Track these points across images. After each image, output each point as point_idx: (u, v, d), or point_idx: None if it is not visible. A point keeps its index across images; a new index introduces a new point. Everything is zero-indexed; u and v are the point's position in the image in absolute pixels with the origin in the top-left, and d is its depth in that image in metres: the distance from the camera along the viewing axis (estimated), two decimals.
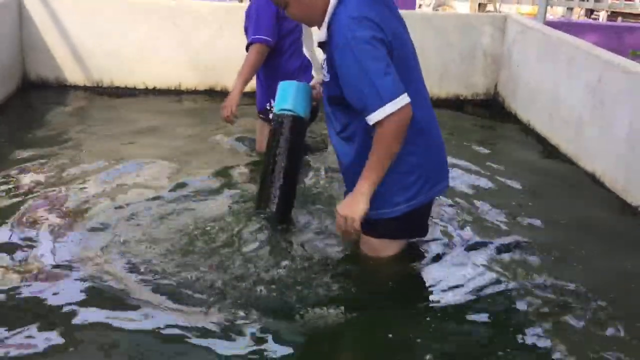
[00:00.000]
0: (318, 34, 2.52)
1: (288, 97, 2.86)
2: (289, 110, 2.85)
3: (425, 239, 2.96)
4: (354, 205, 2.50)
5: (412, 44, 2.62)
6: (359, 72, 2.38)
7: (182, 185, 3.54)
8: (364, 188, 2.49)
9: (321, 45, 2.55)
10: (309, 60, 3.71)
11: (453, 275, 2.81)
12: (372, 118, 2.37)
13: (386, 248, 2.78)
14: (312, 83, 3.11)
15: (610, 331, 2.51)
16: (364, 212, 2.50)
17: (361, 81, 2.38)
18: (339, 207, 2.55)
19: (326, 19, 2.48)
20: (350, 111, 2.50)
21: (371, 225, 2.71)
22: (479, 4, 8.74)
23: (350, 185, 2.68)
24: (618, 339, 2.47)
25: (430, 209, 2.83)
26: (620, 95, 3.83)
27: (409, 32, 2.62)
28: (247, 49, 3.70)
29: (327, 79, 2.54)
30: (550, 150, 4.52)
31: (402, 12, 5.61)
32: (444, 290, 2.71)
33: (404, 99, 2.37)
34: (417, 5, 6.73)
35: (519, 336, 2.44)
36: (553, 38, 4.76)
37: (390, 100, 2.35)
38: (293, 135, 2.88)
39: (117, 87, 5.29)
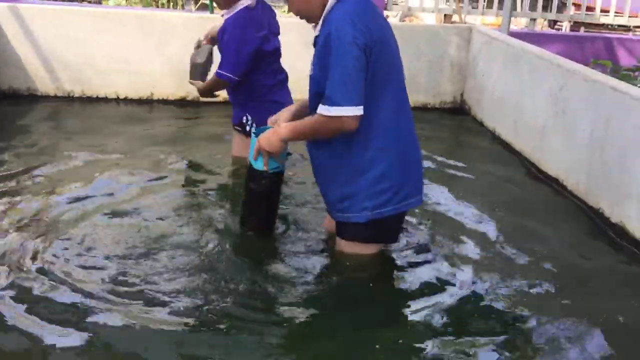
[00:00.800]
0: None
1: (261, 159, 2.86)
2: (274, 169, 2.89)
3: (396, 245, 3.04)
4: (271, 145, 2.72)
5: (397, 50, 2.71)
6: (339, 66, 2.47)
7: (156, 190, 3.59)
8: (285, 134, 2.68)
9: (315, 39, 2.64)
10: (285, 76, 3.76)
11: (424, 281, 2.85)
12: (330, 109, 2.49)
13: (357, 249, 2.84)
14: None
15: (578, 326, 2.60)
16: (278, 150, 2.74)
17: (339, 75, 2.47)
18: (261, 138, 2.75)
19: (323, 15, 2.59)
20: None
21: (342, 227, 2.81)
22: (445, 15, 8.86)
23: (323, 185, 2.80)
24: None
25: (401, 220, 2.89)
26: (582, 102, 3.93)
27: (395, 38, 2.71)
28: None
29: (312, 73, 2.63)
30: (515, 156, 4.60)
31: None
32: (415, 296, 2.75)
33: (359, 110, 2.49)
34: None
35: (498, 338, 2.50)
36: (516, 48, 4.87)
37: (353, 105, 2.47)
38: (276, 185, 2.99)
39: (89, 97, 5.30)
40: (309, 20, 2.72)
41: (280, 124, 2.72)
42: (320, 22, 2.62)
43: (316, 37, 2.65)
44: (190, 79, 3.77)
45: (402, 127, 2.70)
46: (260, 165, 2.86)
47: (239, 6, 3.54)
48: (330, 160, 2.71)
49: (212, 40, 3.81)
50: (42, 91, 5.26)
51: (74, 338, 2.33)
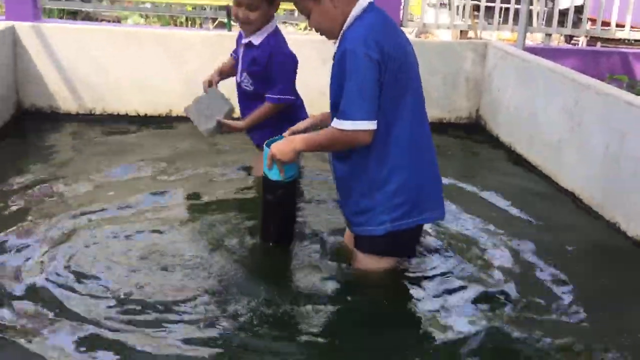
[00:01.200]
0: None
1: (275, 169, 2.88)
2: (288, 178, 2.94)
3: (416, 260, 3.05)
4: (284, 154, 2.75)
5: (416, 66, 2.75)
6: (354, 81, 2.52)
7: (177, 206, 3.64)
8: (299, 145, 2.72)
9: (334, 55, 2.66)
10: (301, 100, 3.79)
11: (440, 299, 2.85)
12: (343, 123, 2.54)
13: (374, 264, 2.85)
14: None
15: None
16: (292, 160, 2.77)
17: (353, 89, 2.52)
18: (274, 146, 2.78)
19: (342, 31, 2.63)
20: None
21: (359, 240, 2.83)
22: (460, 31, 8.90)
23: (342, 197, 2.85)
24: None
25: (419, 234, 2.90)
26: (596, 117, 3.96)
27: (414, 55, 2.73)
28: (254, 95, 3.67)
29: (331, 86, 2.68)
30: (531, 170, 4.61)
31: None
32: (429, 315, 2.75)
33: (373, 125, 2.54)
34: None
35: None
36: (531, 63, 4.89)
37: (366, 120, 2.52)
38: (291, 194, 3.07)
39: (110, 114, 5.35)
40: (328, 36, 2.75)
41: (296, 136, 2.79)
42: (339, 37, 2.65)
43: (335, 52, 2.68)
44: (211, 134, 3.73)
45: (419, 142, 2.72)
46: (274, 175, 2.88)
47: (270, 28, 3.57)
48: (349, 174, 2.74)
49: (222, 74, 3.87)
50: (64, 109, 5.32)
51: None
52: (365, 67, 2.50)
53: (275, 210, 3.04)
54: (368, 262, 2.86)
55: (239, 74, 3.73)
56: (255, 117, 3.64)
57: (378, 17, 2.63)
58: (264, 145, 2.88)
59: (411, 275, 2.98)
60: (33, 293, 2.71)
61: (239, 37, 3.77)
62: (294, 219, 3.16)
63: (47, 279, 2.80)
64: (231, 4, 6.24)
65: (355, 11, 2.62)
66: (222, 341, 2.47)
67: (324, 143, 2.69)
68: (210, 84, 3.79)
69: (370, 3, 2.65)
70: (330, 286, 2.88)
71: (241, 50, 3.68)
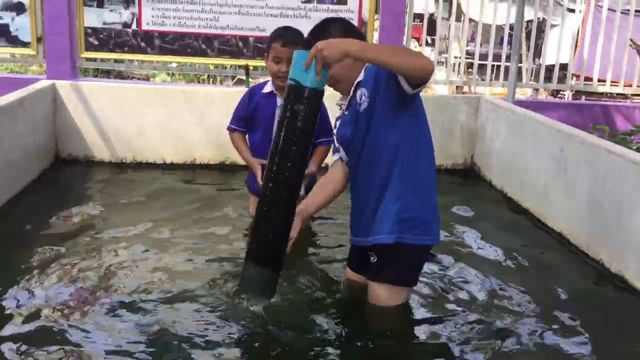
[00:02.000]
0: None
1: (313, 73, 2.41)
2: (321, 86, 2.48)
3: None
4: (335, 49, 2.36)
5: None
6: None
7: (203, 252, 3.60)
8: (356, 46, 2.37)
9: (349, 102, 2.72)
10: None
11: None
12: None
13: (396, 296, 2.74)
14: None
15: None
16: (336, 58, 2.37)
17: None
18: (321, 43, 2.37)
19: (356, 81, 2.68)
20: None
21: (382, 269, 2.70)
22: (456, 87, 9.00)
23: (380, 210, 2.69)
24: None
25: (426, 258, 2.85)
26: (580, 163, 3.97)
27: None
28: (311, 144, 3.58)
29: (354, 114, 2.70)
30: (521, 213, 4.60)
31: None
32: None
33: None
34: None
35: None
36: (520, 115, 4.93)
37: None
38: (316, 117, 2.54)
39: (139, 163, 5.40)
40: (342, 89, 2.76)
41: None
42: (352, 88, 2.69)
43: (350, 99, 2.71)
44: None
45: (432, 173, 2.77)
46: (309, 79, 2.41)
47: None
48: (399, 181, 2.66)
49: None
50: (98, 158, 5.38)
51: None
52: None
53: (300, 128, 2.48)
54: (391, 293, 2.72)
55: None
56: (318, 166, 3.53)
57: None
58: (294, 52, 2.50)
59: (417, 312, 2.94)
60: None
61: (261, 101, 3.67)
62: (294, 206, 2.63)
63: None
64: (249, 63, 6.37)
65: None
66: None
67: (386, 49, 2.49)
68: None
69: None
70: (348, 324, 2.79)
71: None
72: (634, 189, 3.41)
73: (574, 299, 3.26)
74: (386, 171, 2.65)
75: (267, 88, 3.71)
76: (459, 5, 8.40)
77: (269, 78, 3.72)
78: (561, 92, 10.17)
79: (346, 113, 2.76)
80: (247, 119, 3.77)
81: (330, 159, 3.01)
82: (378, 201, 2.67)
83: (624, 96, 8.21)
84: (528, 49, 7.43)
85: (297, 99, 2.44)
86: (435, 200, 2.73)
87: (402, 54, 2.45)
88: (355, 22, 6.50)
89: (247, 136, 3.85)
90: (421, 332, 2.81)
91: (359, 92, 2.67)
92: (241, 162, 5.17)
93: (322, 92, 2.49)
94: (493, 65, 7.31)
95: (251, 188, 3.92)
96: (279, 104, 3.57)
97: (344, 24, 2.77)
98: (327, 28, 2.70)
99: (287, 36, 3.44)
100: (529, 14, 7.74)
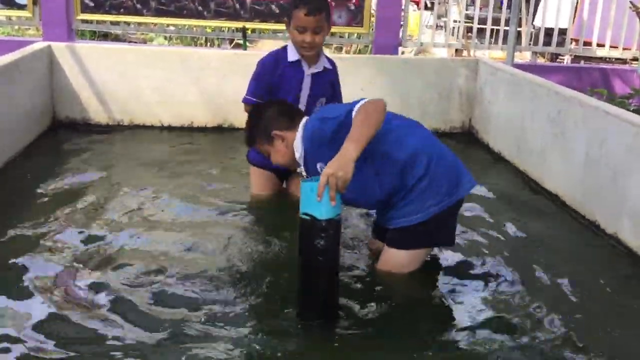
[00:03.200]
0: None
1: (328, 201, 2.29)
2: (338, 215, 2.35)
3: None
4: (345, 167, 2.31)
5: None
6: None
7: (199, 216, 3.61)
8: (354, 152, 2.36)
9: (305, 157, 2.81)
10: None
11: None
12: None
13: (411, 262, 2.82)
14: None
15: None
16: (352, 172, 2.33)
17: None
18: (329, 168, 2.30)
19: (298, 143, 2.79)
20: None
21: (400, 236, 2.80)
22: (455, 50, 8.93)
23: (391, 206, 2.82)
24: None
25: (456, 214, 2.89)
26: (577, 125, 3.97)
27: None
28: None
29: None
30: (518, 175, 4.62)
31: (386, 57, 5.79)
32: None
33: None
34: (399, 52, 6.90)
35: None
36: (519, 77, 4.91)
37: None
38: (339, 239, 2.44)
39: (136, 125, 5.39)
40: (291, 167, 2.94)
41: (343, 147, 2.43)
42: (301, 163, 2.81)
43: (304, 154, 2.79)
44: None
45: (425, 143, 2.85)
46: (325, 212, 2.28)
47: (323, 56, 3.49)
48: (391, 190, 2.76)
49: None
50: (95, 120, 5.36)
51: None
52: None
53: (324, 261, 2.38)
54: (406, 259, 2.83)
55: (308, 104, 3.43)
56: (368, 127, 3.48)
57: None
58: (301, 183, 2.35)
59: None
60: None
61: (287, 70, 3.42)
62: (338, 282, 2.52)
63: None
64: (247, 25, 6.31)
65: (300, 129, 2.79)
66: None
67: (369, 122, 2.48)
68: None
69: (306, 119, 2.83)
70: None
71: (308, 79, 3.42)
72: (630, 151, 3.41)
73: (567, 260, 3.29)
74: (376, 201, 2.82)
75: (292, 56, 3.41)
76: None
77: (275, 43, 3.63)
78: (560, 57, 10.12)
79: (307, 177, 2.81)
80: (270, 89, 3.41)
81: None
82: (384, 209, 2.88)
83: (622, 61, 8.16)
84: (527, 13, 7.36)
85: (316, 234, 2.31)
86: (427, 177, 2.74)
87: (373, 121, 2.50)
88: None
89: None
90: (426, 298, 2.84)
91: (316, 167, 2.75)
92: (240, 124, 5.19)
93: (340, 219, 2.36)
94: (492, 29, 7.24)
95: (253, 160, 3.66)
96: (306, 73, 3.42)
97: (275, 108, 2.94)
98: (263, 114, 2.92)
99: (310, 4, 3.21)
100: None
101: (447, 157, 2.84)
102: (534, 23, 7.17)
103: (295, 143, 2.78)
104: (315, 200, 2.27)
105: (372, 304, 2.68)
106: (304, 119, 2.83)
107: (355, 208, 3.42)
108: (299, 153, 2.78)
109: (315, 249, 2.33)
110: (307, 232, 2.34)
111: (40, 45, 5.15)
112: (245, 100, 3.45)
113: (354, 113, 2.53)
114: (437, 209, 2.73)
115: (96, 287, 2.71)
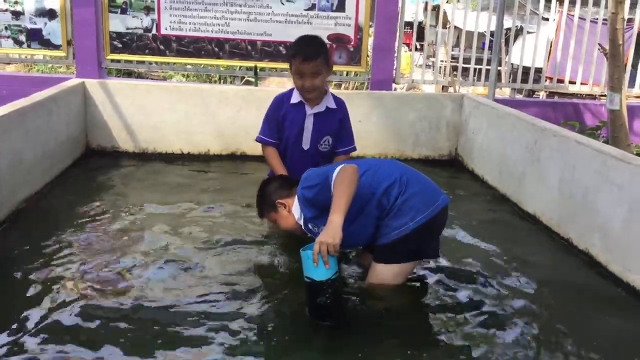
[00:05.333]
0: None
1: (323, 265, 2.43)
2: (334, 274, 2.48)
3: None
4: (334, 234, 2.43)
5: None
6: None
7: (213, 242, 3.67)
8: (338, 220, 2.46)
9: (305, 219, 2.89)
10: None
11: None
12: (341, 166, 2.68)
13: (396, 275, 2.82)
14: None
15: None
16: (341, 238, 2.43)
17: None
18: (320, 237, 2.44)
19: (304, 219, 2.88)
20: None
21: (384, 252, 2.80)
22: (443, 87, 9.07)
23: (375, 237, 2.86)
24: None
25: (433, 229, 2.86)
26: (552, 153, 4.04)
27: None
28: (327, 154, 3.45)
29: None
30: (500, 198, 4.67)
31: (382, 92, 5.86)
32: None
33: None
34: (393, 88, 7.00)
35: None
36: (499, 111, 4.99)
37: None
38: (340, 289, 2.59)
39: (160, 153, 5.46)
40: (298, 233, 3.00)
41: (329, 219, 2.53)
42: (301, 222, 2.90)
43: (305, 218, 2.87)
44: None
45: (390, 174, 2.86)
46: (321, 274, 2.43)
47: (326, 94, 3.44)
48: (368, 228, 2.82)
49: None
50: (123, 148, 5.44)
51: None
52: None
53: (327, 310, 2.51)
54: (389, 274, 2.82)
55: (312, 142, 3.41)
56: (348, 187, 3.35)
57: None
58: (300, 251, 2.48)
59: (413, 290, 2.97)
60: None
61: (290, 110, 3.41)
62: (343, 308, 2.62)
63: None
64: (257, 64, 6.42)
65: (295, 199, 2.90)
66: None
67: (345, 191, 2.56)
68: None
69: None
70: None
71: (310, 119, 3.39)
72: (598, 174, 3.48)
73: (545, 272, 3.35)
74: (370, 234, 2.85)
75: (295, 98, 3.41)
76: (445, 15, 8.46)
77: (286, 85, 3.64)
78: (536, 93, 10.23)
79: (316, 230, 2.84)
80: (277, 125, 3.43)
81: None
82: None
83: (592, 96, 8.28)
84: (507, 54, 7.48)
85: (318, 293, 2.47)
86: (404, 199, 2.76)
87: (348, 190, 2.56)
88: (352, 29, 6.57)
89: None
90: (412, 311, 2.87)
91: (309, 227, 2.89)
92: (250, 152, 5.27)
93: (338, 277, 2.49)
94: (475, 68, 7.36)
95: None
96: (308, 113, 3.40)
97: (275, 182, 3.11)
98: (266, 189, 3.08)
99: (305, 53, 3.20)
100: (508, 22, 7.79)
101: (417, 177, 2.87)
102: (511, 62, 7.28)
103: (293, 208, 2.91)
104: (313, 266, 2.42)
105: (364, 312, 2.72)
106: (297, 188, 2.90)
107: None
108: (297, 214, 2.89)
109: (319, 305, 2.49)
110: (310, 292, 2.50)
111: (75, 81, 5.24)
112: (257, 139, 3.51)
113: (332, 181, 2.61)
114: (414, 224, 2.73)
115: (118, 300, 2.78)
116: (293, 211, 2.91)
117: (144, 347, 2.37)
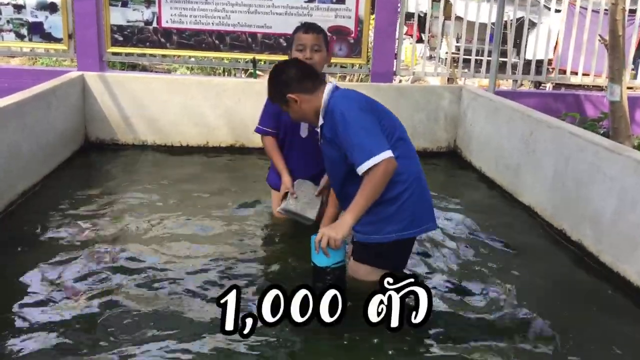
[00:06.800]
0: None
1: (333, 252, 2.52)
2: (341, 262, 2.58)
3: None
4: (339, 230, 2.48)
5: (392, 115, 2.77)
6: (354, 129, 2.50)
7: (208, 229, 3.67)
8: (350, 220, 2.48)
9: (320, 127, 2.74)
10: None
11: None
12: (368, 163, 2.47)
13: (370, 274, 2.74)
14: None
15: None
16: (346, 236, 2.48)
17: (352, 140, 2.50)
18: (325, 228, 2.51)
19: (321, 114, 2.68)
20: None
21: (361, 250, 2.75)
22: (448, 79, 9.02)
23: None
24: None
25: (412, 245, 2.85)
26: (547, 145, 4.05)
27: (387, 110, 2.76)
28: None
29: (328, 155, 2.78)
30: (496, 189, 4.69)
31: (381, 84, 5.84)
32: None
33: (390, 153, 2.47)
34: (398, 81, 6.99)
35: None
36: (496, 102, 4.99)
37: (375, 155, 2.46)
38: (342, 280, 2.64)
39: (158, 145, 5.50)
40: (311, 123, 2.87)
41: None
42: (321, 119, 2.71)
43: (321, 125, 2.72)
44: (319, 215, 3.19)
45: (417, 172, 2.73)
46: (323, 260, 2.52)
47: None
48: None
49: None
50: (122, 141, 5.47)
51: None
52: (356, 114, 2.53)
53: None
54: (364, 271, 2.75)
55: (307, 131, 3.39)
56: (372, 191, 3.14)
57: (345, 89, 2.74)
58: (311, 236, 2.56)
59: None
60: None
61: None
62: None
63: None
64: (256, 56, 6.43)
65: (327, 94, 2.68)
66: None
67: (367, 193, 2.48)
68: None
69: (335, 85, 2.72)
70: None
71: None
72: (591, 166, 3.49)
73: (536, 261, 3.37)
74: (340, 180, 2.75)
75: None
76: (449, 6, 8.42)
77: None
78: (542, 85, 10.17)
79: (321, 141, 2.82)
80: (275, 114, 3.40)
81: None
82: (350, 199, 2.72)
83: (599, 87, 8.23)
84: (514, 45, 7.42)
85: (318, 278, 2.57)
86: (403, 201, 2.65)
87: (373, 194, 2.49)
88: (352, 21, 6.56)
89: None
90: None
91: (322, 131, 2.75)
92: (251, 144, 5.30)
93: (342, 266, 2.57)
94: (476, 60, 7.33)
95: (273, 185, 3.61)
96: None
97: (296, 68, 2.78)
98: (282, 73, 2.77)
99: (308, 25, 3.29)
100: (518, 13, 7.75)
101: (423, 192, 2.74)
102: (524, 56, 7.22)
103: (323, 99, 2.68)
104: (315, 252, 2.54)
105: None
106: (330, 87, 2.72)
107: None
108: (323, 106, 2.69)
109: (319, 290, 2.46)
110: (314, 275, 2.62)
111: (74, 74, 5.29)
112: (256, 130, 3.53)
113: (367, 171, 2.47)
114: (396, 236, 2.66)
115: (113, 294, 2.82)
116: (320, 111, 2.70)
117: (145, 340, 2.41)
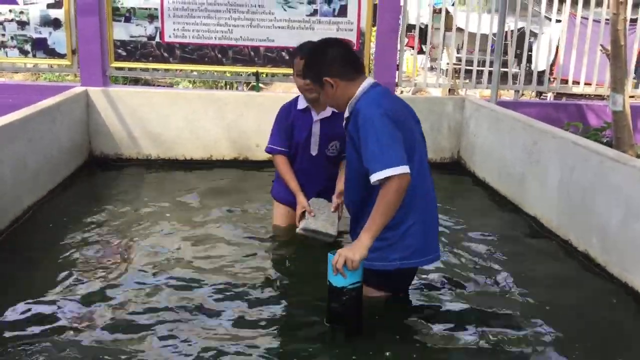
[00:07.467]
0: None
1: (350, 272, 2.42)
2: (357, 282, 2.47)
3: None
4: (356, 250, 2.37)
5: (416, 125, 2.68)
6: (375, 136, 2.38)
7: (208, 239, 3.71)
8: (366, 240, 2.38)
9: (346, 119, 2.62)
10: None
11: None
12: (374, 177, 2.37)
13: (371, 292, 2.72)
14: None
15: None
16: (364, 257, 2.38)
17: (377, 143, 2.38)
18: (343, 249, 2.40)
19: (352, 102, 2.55)
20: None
21: (364, 272, 2.64)
22: (449, 90, 9.04)
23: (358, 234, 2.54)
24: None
25: (415, 272, 2.82)
26: (551, 155, 4.04)
27: (415, 118, 2.70)
28: (335, 158, 3.40)
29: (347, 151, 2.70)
30: (500, 199, 4.68)
31: None
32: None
33: (406, 168, 2.36)
34: (399, 92, 7.00)
35: None
36: (499, 113, 5.01)
37: (391, 167, 2.35)
38: (359, 300, 2.52)
39: (162, 159, 5.51)
40: (337, 109, 2.72)
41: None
42: (350, 109, 2.57)
43: (346, 117, 2.61)
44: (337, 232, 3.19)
45: (429, 192, 2.65)
46: (340, 281, 2.43)
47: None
48: (366, 213, 2.49)
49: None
50: (126, 155, 5.48)
51: None
52: (381, 123, 2.40)
53: (341, 316, 2.52)
54: (365, 290, 2.60)
55: (320, 147, 3.41)
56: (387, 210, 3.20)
57: (382, 89, 2.59)
58: (328, 254, 2.45)
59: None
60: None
61: (298, 117, 3.43)
62: (361, 319, 2.57)
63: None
64: (259, 69, 6.44)
65: (362, 88, 2.56)
66: None
67: (381, 211, 2.37)
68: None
69: (374, 82, 2.60)
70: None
71: (317, 124, 3.40)
72: (595, 176, 3.49)
73: (543, 274, 3.35)
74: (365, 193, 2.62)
75: (302, 104, 3.44)
76: (450, 17, 8.46)
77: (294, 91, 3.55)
78: (543, 94, 10.18)
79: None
80: (287, 133, 3.44)
81: None
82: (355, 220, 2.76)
83: (600, 97, 8.24)
84: (515, 56, 7.45)
85: (334, 298, 2.48)
86: (407, 227, 2.58)
87: (389, 212, 2.38)
88: (354, 33, 6.59)
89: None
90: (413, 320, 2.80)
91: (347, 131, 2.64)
92: (254, 157, 5.31)
93: (358, 288, 2.46)
94: (478, 70, 7.34)
95: (277, 196, 3.67)
96: (314, 119, 3.40)
97: (341, 51, 2.59)
98: (326, 51, 2.58)
99: (303, 50, 3.19)
100: (519, 24, 7.78)
101: (431, 221, 2.67)
102: (528, 66, 7.23)
103: (359, 90, 2.56)
104: (332, 271, 2.43)
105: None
106: (368, 83, 2.59)
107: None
108: (356, 96, 2.57)
109: (333, 309, 2.50)
110: (329, 295, 2.50)
111: (78, 89, 5.31)
112: (267, 150, 3.52)
113: (381, 184, 2.37)
114: (400, 264, 2.60)
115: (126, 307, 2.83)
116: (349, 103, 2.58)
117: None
